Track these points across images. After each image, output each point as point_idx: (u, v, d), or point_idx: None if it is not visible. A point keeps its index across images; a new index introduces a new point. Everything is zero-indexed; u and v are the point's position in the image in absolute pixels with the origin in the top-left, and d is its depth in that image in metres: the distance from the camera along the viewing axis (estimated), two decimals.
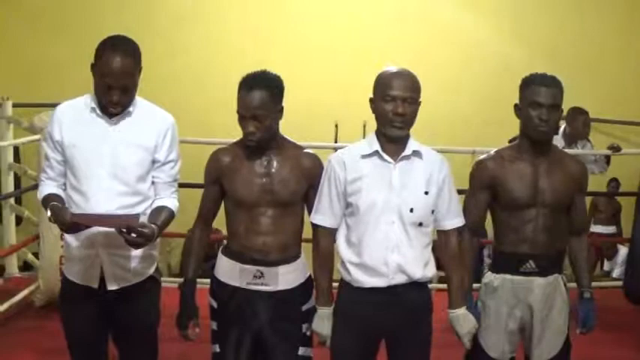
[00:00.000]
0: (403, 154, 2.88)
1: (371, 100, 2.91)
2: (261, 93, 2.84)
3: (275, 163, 2.94)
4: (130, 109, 2.86)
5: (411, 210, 2.87)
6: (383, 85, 2.86)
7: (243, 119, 2.87)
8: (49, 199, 2.83)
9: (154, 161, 2.92)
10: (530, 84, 3.01)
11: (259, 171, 2.93)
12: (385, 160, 2.88)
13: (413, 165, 2.91)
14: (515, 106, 3.07)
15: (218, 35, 8.37)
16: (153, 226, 2.76)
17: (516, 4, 8.64)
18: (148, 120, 2.91)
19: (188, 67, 8.22)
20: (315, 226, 2.97)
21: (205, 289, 3.07)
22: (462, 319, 2.99)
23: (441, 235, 3.01)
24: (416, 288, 2.93)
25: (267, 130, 2.88)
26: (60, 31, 8.26)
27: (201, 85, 8.12)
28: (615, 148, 5.60)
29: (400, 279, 2.88)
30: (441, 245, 3.02)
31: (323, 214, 2.94)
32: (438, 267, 3.06)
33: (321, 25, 8.54)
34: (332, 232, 2.96)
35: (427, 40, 8.34)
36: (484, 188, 3.10)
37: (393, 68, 2.91)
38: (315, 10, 8.61)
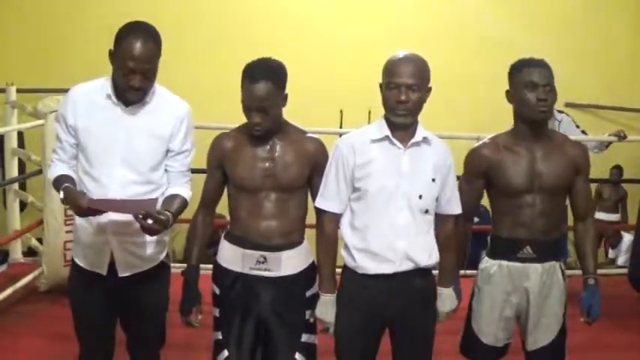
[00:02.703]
0: (413, 140, 2.87)
1: (380, 86, 2.89)
2: (266, 84, 2.81)
3: (278, 148, 2.93)
4: (147, 98, 2.83)
5: (420, 197, 2.86)
6: (387, 71, 2.84)
7: (248, 110, 2.85)
8: (61, 180, 2.80)
9: (168, 150, 2.90)
10: (522, 67, 2.99)
11: (262, 155, 2.92)
12: (395, 145, 2.86)
13: (422, 152, 2.89)
14: (507, 92, 3.05)
15: (226, 20, 8.34)
16: (168, 213, 2.75)
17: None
18: (164, 108, 2.89)
19: (197, 50, 8.20)
20: (319, 211, 2.95)
21: (209, 275, 3.05)
22: (447, 297, 3.04)
23: (438, 218, 3.00)
24: (420, 275, 2.93)
25: (272, 119, 2.87)
26: (64, 16, 8.24)
27: (208, 70, 8.09)
28: (621, 136, 5.57)
29: (406, 266, 2.88)
30: (437, 229, 3.01)
31: (329, 199, 2.92)
32: None
33: (328, 11, 8.51)
34: (337, 218, 2.94)
35: (433, 27, 8.31)
36: (479, 176, 3.09)
37: (401, 53, 2.88)
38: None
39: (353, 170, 2.86)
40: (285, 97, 2.90)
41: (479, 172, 3.08)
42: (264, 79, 2.80)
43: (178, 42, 7.47)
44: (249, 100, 2.82)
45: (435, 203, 2.93)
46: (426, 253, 2.92)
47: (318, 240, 2.98)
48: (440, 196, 2.94)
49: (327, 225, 2.94)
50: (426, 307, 3.00)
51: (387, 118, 2.88)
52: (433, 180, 2.89)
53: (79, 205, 2.66)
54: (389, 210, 2.85)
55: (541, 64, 2.98)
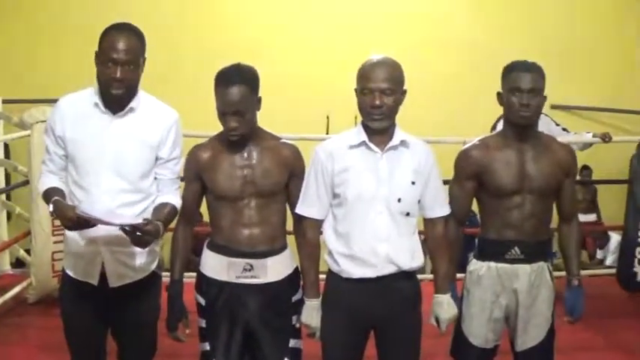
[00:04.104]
0: (390, 144, 2.88)
1: (355, 92, 2.90)
2: (240, 87, 2.81)
3: (255, 154, 2.93)
4: (134, 104, 2.83)
5: (399, 200, 2.87)
6: (361, 76, 2.85)
7: (224, 115, 2.85)
8: (50, 194, 2.80)
9: (157, 158, 2.90)
10: (511, 71, 3.02)
11: (240, 163, 2.91)
12: (372, 151, 2.87)
13: (400, 155, 2.90)
14: (498, 94, 3.08)
15: (212, 27, 8.34)
16: (157, 223, 2.75)
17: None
18: (152, 116, 2.89)
19: (183, 59, 8.19)
20: (300, 218, 2.96)
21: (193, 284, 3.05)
22: (446, 304, 3.02)
23: (428, 223, 3.02)
24: (405, 278, 2.94)
25: (248, 123, 2.87)
26: (50, 27, 8.22)
27: (195, 78, 8.09)
28: (606, 140, 5.59)
29: (389, 269, 2.89)
30: (427, 233, 3.03)
31: (309, 205, 2.92)
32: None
33: (314, 17, 8.52)
34: (319, 224, 2.95)
35: (418, 33, 8.33)
36: (469, 177, 3.10)
37: (374, 58, 2.88)
38: (308, 2, 8.60)
39: (332, 177, 2.87)
40: (259, 101, 2.90)
41: (469, 174, 3.09)
42: (238, 82, 2.81)
43: (166, 50, 7.51)
44: (225, 105, 2.82)
45: (417, 206, 2.94)
46: (408, 255, 2.92)
47: (300, 247, 2.99)
48: (423, 198, 2.95)
49: (309, 231, 2.95)
50: (411, 309, 2.99)
51: (364, 124, 2.89)
52: (413, 183, 2.90)
53: (68, 218, 2.65)
54: (369, 215, 2.85)
55: (529, 69, 3.00)
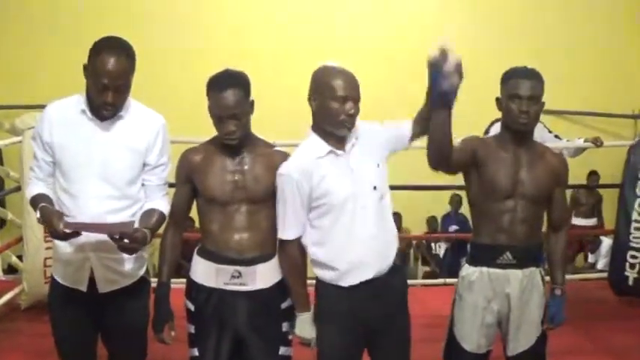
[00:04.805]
0: (350, 142, 2.89)
1: (311, 98, 2.89)
2: (235, 91, 2.83)
3: (247, 160, 2.93)
4: (122, 112, 2.83)
5: (375, 188, 2.89)
6: (330, 84, 2.82)
7: (220, 120, 2.85)
8: (37, 200, 2.80)
9: (144, 164, 2.90)
10: (510, 77, 3.04)
11: (232, 168, 2.92)
12: (339, 155, 2.87)
13: (359, 146, 2.91)
14: (497, 99, 3.09)
15: (202, 34, 8.37)
16: (145, 230, 2.76)
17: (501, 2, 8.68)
18: (139, 122, 2.89)
19: (174, 64, 8.20)
20: (282, 241, 2.94)
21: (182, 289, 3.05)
22: None
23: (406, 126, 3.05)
24: (395, 272, 2.98)
25: (245, 126, 2.88)
26: (42, 33, 8.23)
27: (184, 84, 8.09)
28: (597, 144, 5.62)
29: (384, 265, 2.92)
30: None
31: (290, 228, 2.90)
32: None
33: (305, 24, 8.56)
34: (299, 240, 2.93)
35: (409, 36, 8.35)
36: (470, 149, 3.07)
37: (335, 66, 2.88)
38: (300, 9, 8.62)
39: (309, 193, 2.85)
40: (251, 104, 2.91)
41: (471, 148, 3.07)
42: (232, 86, 2.83)
43: (154, 56, 7.51)
44: (221, 109, 2.83)
45: (386, 185, 2.96)
46: (394, 247, 2.97)
47: (285, 266, 2.96)
48: (390, 135, 3.01)
49: (292, 250, 2.93)
50: (404, 309, 3.03)
51: (319, 130, 2.89)
52: (378, 165, 2.92)
53: (55, 226, 2.65)
54: (356, 213, 2.86)
55: (529, 75, 3.02)
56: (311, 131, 2.92)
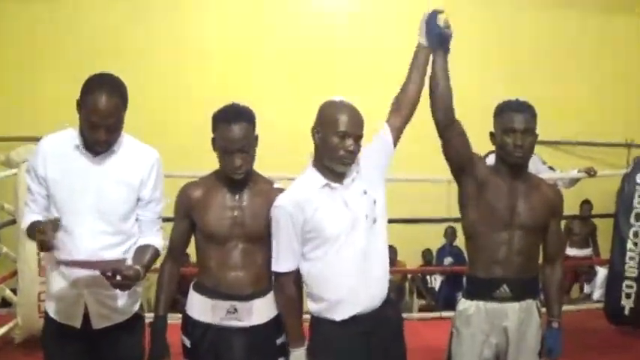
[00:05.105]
0: (350, 177, 2.89)
1: (314, 131, 2.90)
2: (243, 125, 2.84)
3: (246, 197, 2.94)
4: (115, 147, 2.83)
5: (366, 217, 2.88)
6: (334, 119, 2.84)
7: (228, 154, 2.85)
8: (35, 224, 2.77)
9: (138, 199, 2.90)
10: (503, 111, 3.06)
11: (230, 204, 2.93)
12: (335, 189, 2.87)
13: (359, 180, 2.91)
14: (491, 134, 3.11)
15: (198, 68, 8.40)
16: (137, 267, 2.75)
17: (485, 36, 8.73)
18: (133, 157, 2.89)
19: (168, 98, 8.23)
20: (278, 274, 2.93)
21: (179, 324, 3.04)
22: None
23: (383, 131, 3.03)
24: (389, 307, 2.97)
25: (252, 160, 2.90)
26: (38, 65, 8.25)
27: (180, 117, 8.12)
28: (591, 173, 5.64)
29: (375, 299, 2.91)
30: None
31: (285, 260, 2.89)
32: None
33: (301, 56, 8.59)
34: (295, 273, 2.93)
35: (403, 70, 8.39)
36: (471, 151, 3.09)
37: (342, 102, 2.90)
38: (294, 42, 8.68)
39: (302, 225, 2.84)
40: (256, 138, 2.92)
41: (473, 154, 3.09)
42: (241, 120, 2.84)
43: (149, 90, 7.54)
44: (230, 143, 2.84)
45: (382, 213, 2.95)
46: (386, 277, 2.96)
47: (280, 301, 2.95)
48: (378, 150, 2.99)
49: (287, 286, 2.92)
50: (401, 341, 3.03)
51: (318, 165, 2.90)
52: (374, 202, 2.91)
53: (47, 236, 2.60)
54: (347, 249, 2.85)
55: (522, 109, 3.04)
56: (310, 164, 2.93)
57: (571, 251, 8.36)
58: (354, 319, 2.88)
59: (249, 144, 2.86)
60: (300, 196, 2.86)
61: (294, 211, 2.84)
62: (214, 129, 2.89)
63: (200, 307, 2.96)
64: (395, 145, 3.01)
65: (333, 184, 2.87)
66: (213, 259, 2.94)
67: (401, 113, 3.03)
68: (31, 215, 2.88)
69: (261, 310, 2.95)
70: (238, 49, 8.61)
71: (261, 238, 2.93)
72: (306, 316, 2.97)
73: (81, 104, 2.75)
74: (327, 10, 9.00)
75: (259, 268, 2.95)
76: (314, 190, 2.86)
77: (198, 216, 2.94)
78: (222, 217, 2.91)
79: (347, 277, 2.86)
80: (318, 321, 2.93)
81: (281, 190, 2.97)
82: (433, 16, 3.00)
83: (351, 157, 2.83)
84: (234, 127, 2.83)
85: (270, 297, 2.97)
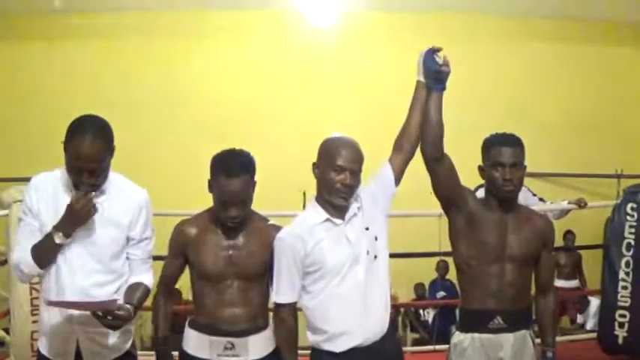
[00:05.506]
0: (351, 212, 2.91)
1: (315, 166, 2.93)
2: (243, 178, 2.86)
3: (241, 236, 2.95)
4: (104, 186, 2.83)
5: (367, 252, 2.89)
6: (332, 154, 2.88)
7: (225, 204, 2.86)
8: (44, 241, 2.76)
9: (128, 238, 2.90)
10: (492, 145, 3.09)
11: (225, 243, 2.94)
12: (336, 224, 2.90)
13: (361, 216, 2.94)
14: (479, 167, 3.13)
15: (183, 105, 8.42)
16: (128, 306, 2.75)
17: (476, 70, 8.79)
18: (122, 197, 2.89)
19: (157, 136, 8.24)
20: (278, 305, 2.95)
21: None
22: None
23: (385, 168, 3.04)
24: (389, 340, 2.97)
25: (248, 208, 2.91)
26: (30, 105, 8.26)
27: (167, 157, 8.13)
28: (581, 205, 5.67)
29: (375, 332, 2.91)
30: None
31: (285, 292, 2.91)
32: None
33: (287, 93, 8.63)
34: (294, 305, 2.95)
35: (389, 108, 8.44)
36: (460, 184, 3.11)
37: (342, 137, 2.94)
38: (283, 79, 8.72)
39: (303, 259, 2.86)
40: (254, 184, 2.94)
41: (464, 187, 3.12)
42: (242, 173, 2.85)
43: (141, 128, 7.56)
44: (228, 195, 2.85)
45: (383, 248, 2.97)
46: (387, 310, 2.97)
47: (280, 333, 2.97)
48: (380, 188, 3.00)
49: (287, 317, 2.94)
50: None
51: (320, 199, 2.93)
52: (376, 238, 2.93)
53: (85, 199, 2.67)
54: (347, 283, 2.87)
55: (509, 142, 3.07)
56: (313, 200, 2.96)
57: (559, 283, 8.34)
58: (354, 351, 2.89)
59: (247, 196, 2.88)
60: (302, 229, 2.90)
61: (296, 243, 2.87)
62: (212, 176, 2.90)
63: (197, 343, 2.96)
64: (397, 183, 3.04)
65: (335, 220, 2.89)
66: (209, 297, 2.95)
67: (403, 151, 3.05)
68: (30, 241, 2.79)
69: (257, 346, 2.96)
70: (234, 95, 8.66)
71: (256, 277, 2.95)
72: (302, 351, 2.97)
73: (65, 147, 2.75)
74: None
75: (255, 307, 2.97)
76: (316, 225, 2.89)
77: (194, 254, 2.95)
78: (218, 256, 2.92)
79: (347, 310, 2.87)
80: (318, 353, 2.94)
81: (276, 227, 2.98)
82: (430, 53, 3.00)
83: (348, 190, 2.86)
84: (232, 180, 2.84)
85: (266, 334, 2.99)
